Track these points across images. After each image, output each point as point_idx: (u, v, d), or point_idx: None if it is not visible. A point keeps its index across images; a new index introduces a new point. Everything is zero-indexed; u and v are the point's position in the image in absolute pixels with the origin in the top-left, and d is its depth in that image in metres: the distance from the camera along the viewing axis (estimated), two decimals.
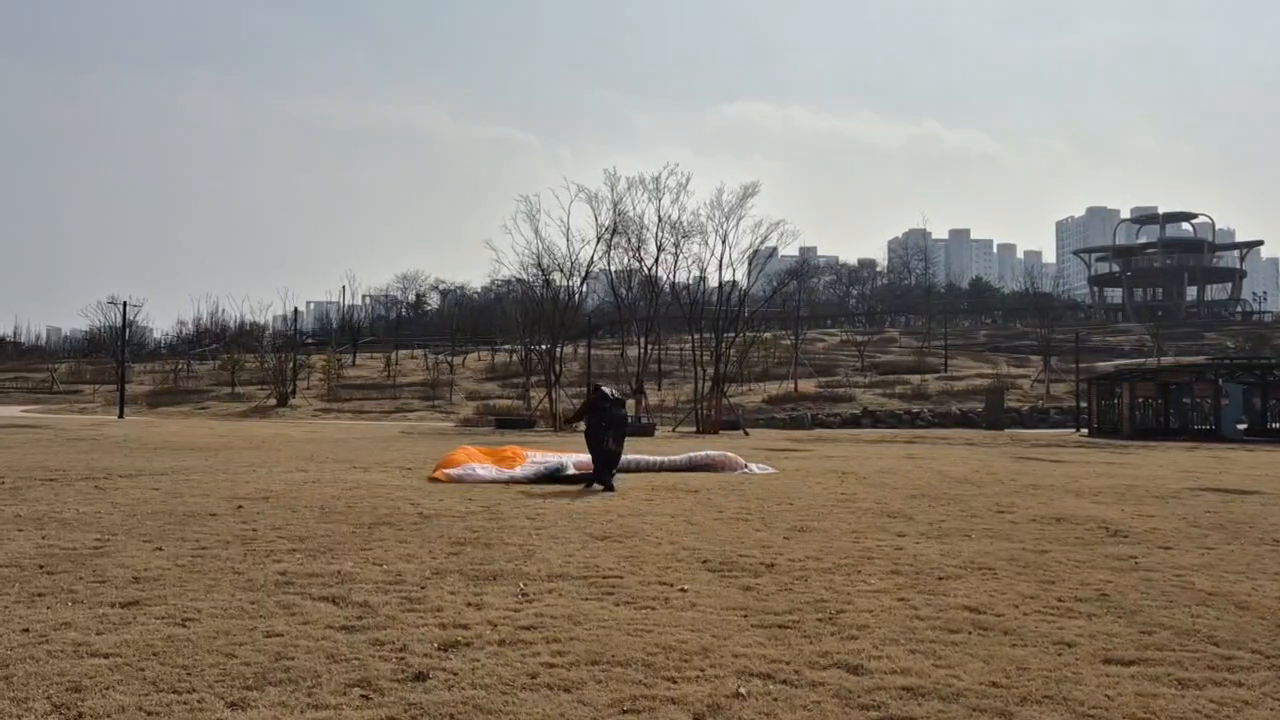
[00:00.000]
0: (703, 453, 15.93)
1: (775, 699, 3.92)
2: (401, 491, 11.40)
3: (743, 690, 4.00)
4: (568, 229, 49.75)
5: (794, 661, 4.44)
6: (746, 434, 31.10)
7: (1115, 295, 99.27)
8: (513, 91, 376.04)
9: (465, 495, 11.12)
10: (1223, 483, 13.89)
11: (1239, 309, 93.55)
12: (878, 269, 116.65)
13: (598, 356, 48.48)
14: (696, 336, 38.33)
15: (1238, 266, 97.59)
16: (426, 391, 52.87)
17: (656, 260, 38.49)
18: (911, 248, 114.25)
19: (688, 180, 38.31)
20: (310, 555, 7.01)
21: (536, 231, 43.76)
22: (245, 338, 68.50)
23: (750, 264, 38.54)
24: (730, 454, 15.70)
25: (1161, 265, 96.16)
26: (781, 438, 28.73)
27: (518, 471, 13.31)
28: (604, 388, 13.09)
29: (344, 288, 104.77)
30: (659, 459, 15.37)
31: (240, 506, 9.75)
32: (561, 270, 40.65)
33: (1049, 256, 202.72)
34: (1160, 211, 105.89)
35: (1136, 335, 69.22)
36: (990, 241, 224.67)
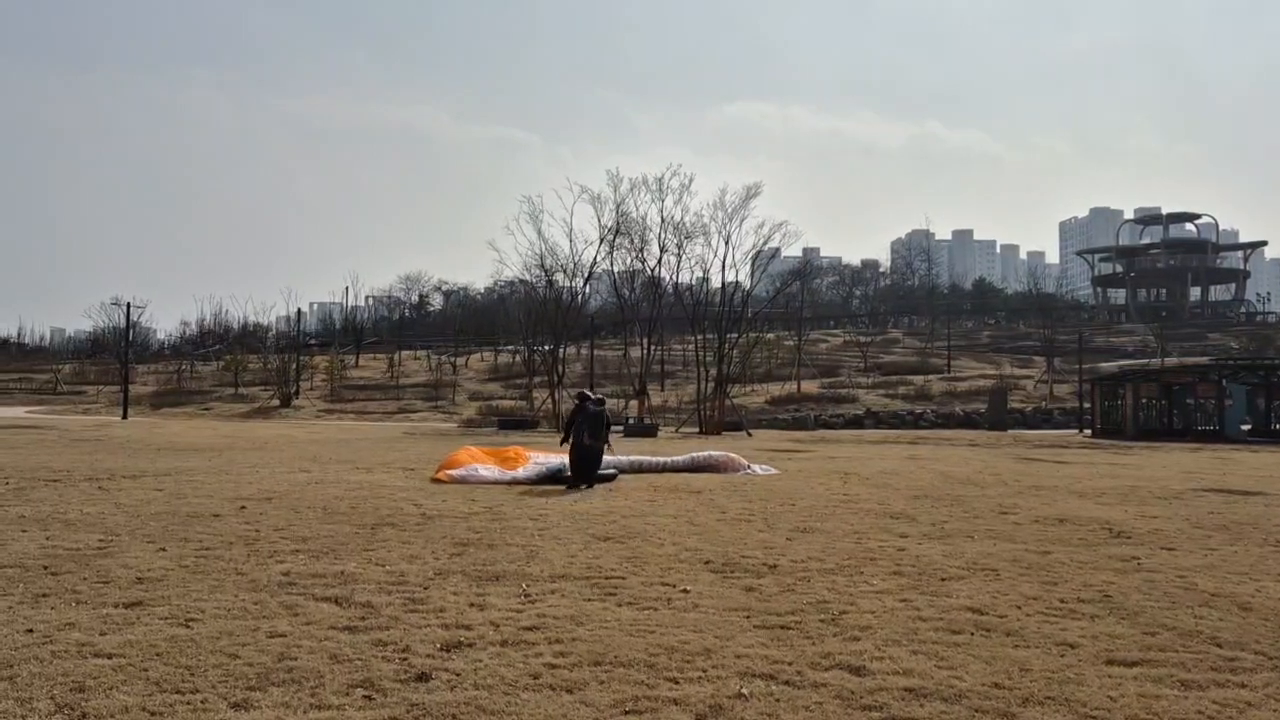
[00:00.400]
0: (705, 453, 15.91)
1: (777, 700, 3.92)
2: (404, 492, 11.41)
3: (745, 691, 4.01)
4: (571, 230, 49.57)
5: (796, 662, 4.44)
6: (749, 435, 31.09)
7: (1119, 296, 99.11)
8: (513, 91, 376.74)
9: (468, 496, 11.13)
10: (1226, 484, 13.87)
11: (1243, 310, 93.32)
12: (881, 270, 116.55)
13: (600, 357, 48.50)
14: (699, 337, 38.33)
15: (1241, 267, 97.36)
16: (429, 392, 52.90)
17: (659, 261, 38.52)
18: (914, 248, 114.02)
19: (690, 181, 38.24)
20: (313, 556, 7.02)
21: (539, 232, 43.97)
22: (248, 338, 68.64)
23: (753, 265, 38.60)
24: (733, 455, 15.70)
25: (1165, 266, 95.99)
26: (784, 438, 28.72)
27: (520, 472, 13.31)
28: (586, 392, 13.87)
29: (347, 288, 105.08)
30: (661, 459, 15.37)
31: (243, 507, 9.76)
32: (564, 271, 40.67)
33: (1052, 257, 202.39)
34: (1164, 212, 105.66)
35: (1140, 336, 69.10)
36: (993, 242, 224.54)
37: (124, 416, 43.04)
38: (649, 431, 30.61)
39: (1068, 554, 7.53)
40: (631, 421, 32.79)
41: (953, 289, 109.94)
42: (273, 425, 37.02)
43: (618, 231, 38.68)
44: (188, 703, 3.80)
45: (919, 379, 50.26)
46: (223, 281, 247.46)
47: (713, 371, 35.98)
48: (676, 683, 4.12)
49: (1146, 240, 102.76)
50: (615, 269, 41.77)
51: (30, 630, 4.81)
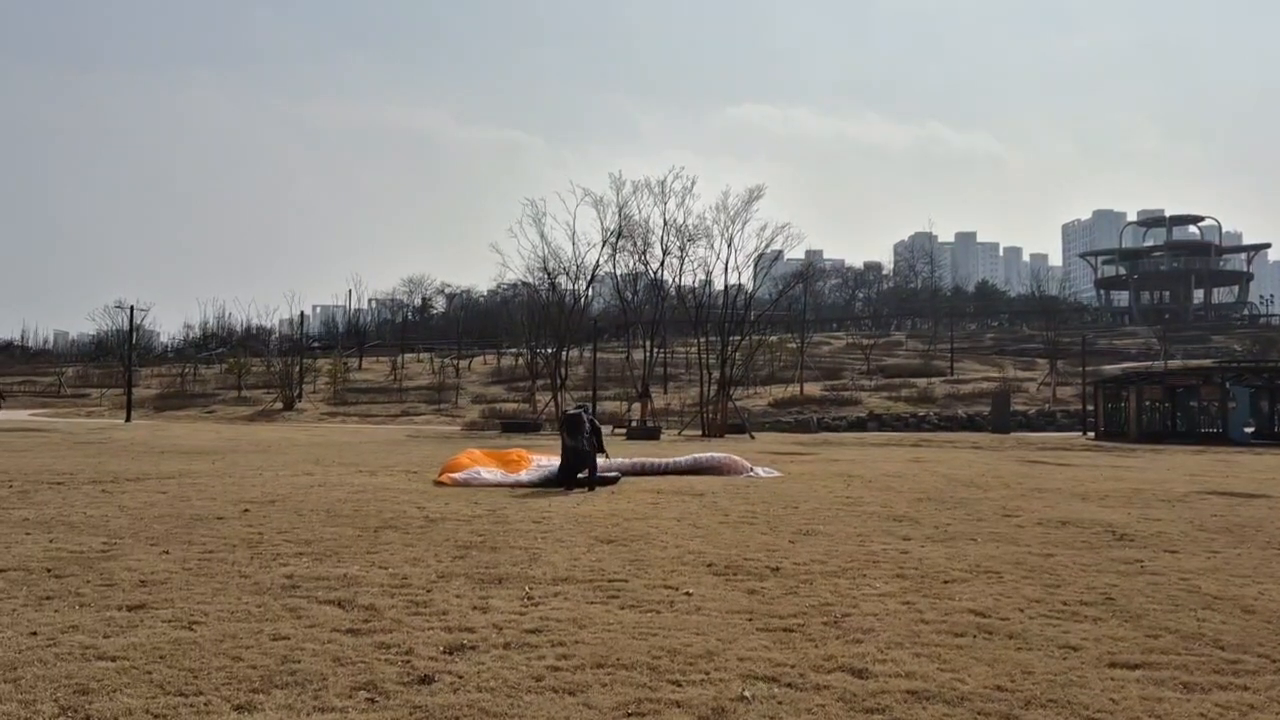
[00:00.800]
0: (708, 455, 15.90)
1: (780, 702, 3.92)
2: (407, 495, 11.42)
3: (747, 693, 4.01)
4: (573, 232, 49.85)
5: (799, 665, 4.44)
6: (752, 437, 31.08)
7: (1122, 298, 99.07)
8: (516, 93, 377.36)
9: (471, 499, 11.14)
10: (1230, 486, 13.85)
11: (1246, 312, 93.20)
12: (884, 272, 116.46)
13: (603, 360, 48.49)
14: (702, 340, 38.35)
15: (1245, 269, 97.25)
16: (432, 395, 52.95)
17: (662, 264, 38.61)
18: (917, 251, 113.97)
19: (693, 184, 38.34)
20: (316, 559, 7.03)
21: (542, 235, 43.96)
22: (251, 341, 68.80)
23: (756, 267, 38.66)
24: (735, 457, 15.69)
25: (1168, 268, 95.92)
26: (787, 441, 28.70)
27: (523, 475, 13.32)
28: (567, 409, 14.82)
29: (350, 291, 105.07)
30: (664, 461, 15.37)
31: (247, 510, 9.78)
32: (567, 274, 40.79)
33: (1055, 259, 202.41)
34: (1167, 214, 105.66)
35: (1143, 338, 69.04)
36: (996, 245, 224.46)
37: (127, 419, 43.12)
38: (652, 434, 30.63)
39: (1071, 556, 7.52)
40: (635, 424, 32.83)
41: (956, 291, 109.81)
42: (276, 428, 37.06)
43: (620, 234, 38.78)
44: (191, 705, 3.80)
45: (922, 381, 50.24)
46: (225, 284, 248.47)
47: (715, 374, 36.00)
48: (679, 685, 4.12)
49: (1150, 243, 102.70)
50: (618, 272, 41.91)
51: (34, 632, 4.83)
